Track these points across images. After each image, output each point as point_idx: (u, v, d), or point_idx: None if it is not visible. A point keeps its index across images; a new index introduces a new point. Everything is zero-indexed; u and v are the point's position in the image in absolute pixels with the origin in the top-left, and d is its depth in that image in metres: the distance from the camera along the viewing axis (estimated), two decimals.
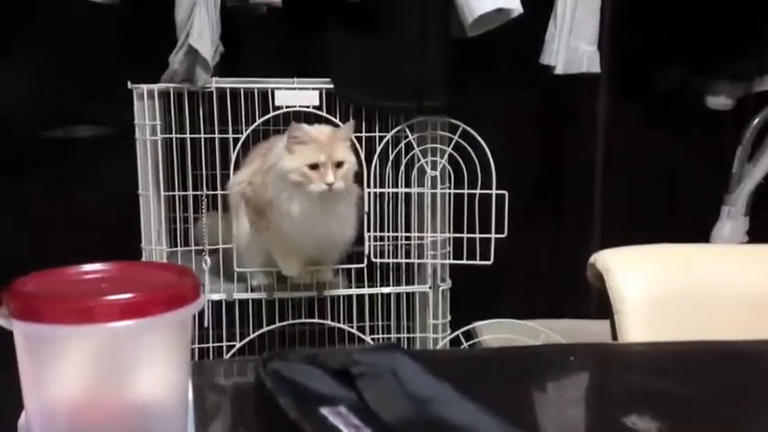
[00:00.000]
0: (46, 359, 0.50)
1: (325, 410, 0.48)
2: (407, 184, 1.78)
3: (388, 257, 1.80)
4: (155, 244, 1.73)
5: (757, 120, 2.00)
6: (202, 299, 0.54)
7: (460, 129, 1.72)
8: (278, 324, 1.78)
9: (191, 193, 1.73)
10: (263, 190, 1.62)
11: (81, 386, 0.52)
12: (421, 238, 1.80)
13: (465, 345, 1.83)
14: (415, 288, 1.84)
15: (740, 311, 1.07)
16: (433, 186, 1.76)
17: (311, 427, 0.45)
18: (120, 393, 0.52)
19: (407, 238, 1.82)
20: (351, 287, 1.80)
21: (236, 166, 1.70)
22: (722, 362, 0.87)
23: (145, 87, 1.67)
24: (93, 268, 0.56)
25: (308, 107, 1.68)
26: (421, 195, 1.78)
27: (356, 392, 0.51)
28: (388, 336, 1.85)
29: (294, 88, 1.68)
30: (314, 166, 1.53)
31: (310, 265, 1.74)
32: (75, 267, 0.56)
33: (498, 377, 0.82)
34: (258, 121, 1.67)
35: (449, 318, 1.84)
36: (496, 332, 1.85)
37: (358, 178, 1.69)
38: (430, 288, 1.81)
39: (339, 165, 1.55)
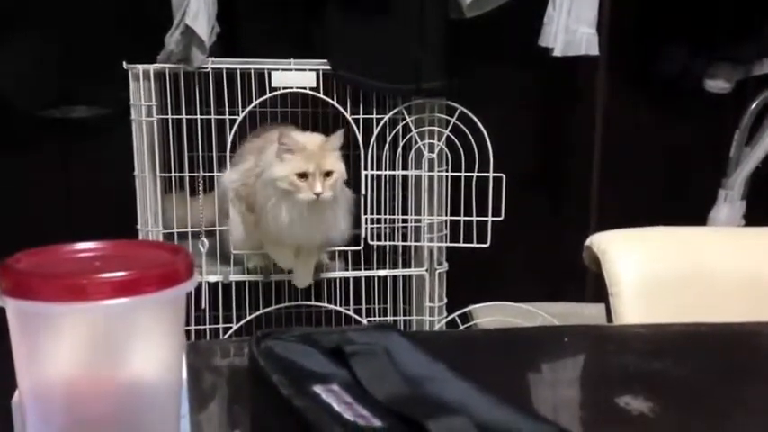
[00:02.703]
0: (39, 337, 0.50)
1: (318, 388, 0.48)
2: (404, 167, 1.77)
3: (385, 240, 1.80)
4: (151, 225, 1.72)
5: (755, 104, 2.00)
6: (196, 277, 0.54)
7: (458, 111, 1.71)
8: (274, 306, 1.78)
9: (187, 174, 1.73)
10: (254, 195, 1.63)
11: (74, 364, 0.52)
12: (418, 221, 1.80)
13: (461, 327, 1.84)
14: (412, 271, 1.84)
15: (735, 294, 1.08)
16: (431, 169, 1.76)
17: (304, 404, 0.45)
18: (113, 371, 0.52)
19: (404, 221, 1.83)
20: (347, 270, 1.80)
21: (233, 148, 1.70)
22: (716, 343, 0.88)
23: (141, 68, 1.66)
24: (86, 246, 0.56)
25: (305, 88, 1.67)
26: (418, 178, 1.78)
27: (349, 371, 0.51)
28: (385, 318, 1.85)
29: (291, 69, 1.68)
30: (302, 175, 1.54)
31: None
32: (69, 245, 0.56)
33: (493, 358, 0.82)
34: (255, 103, 1.67)
35: (445, 300, 1.84)
36: (493, 315, 1.86)
37: (355, 164, 1.69)
38: (426, 271, 1.81)
39: (328, 174, 1.55)
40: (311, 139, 1.59)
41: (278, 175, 1.55)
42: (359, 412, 0.46)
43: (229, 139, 1.67)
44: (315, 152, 1.55)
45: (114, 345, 0.52)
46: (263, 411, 0.51)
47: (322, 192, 1.53)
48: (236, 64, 1.67)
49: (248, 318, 1.75)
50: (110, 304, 0.49)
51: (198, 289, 1.67)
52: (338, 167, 1.58)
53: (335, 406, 0.46)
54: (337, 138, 1.59)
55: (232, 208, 1.68)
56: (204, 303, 1.71)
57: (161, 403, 0.54)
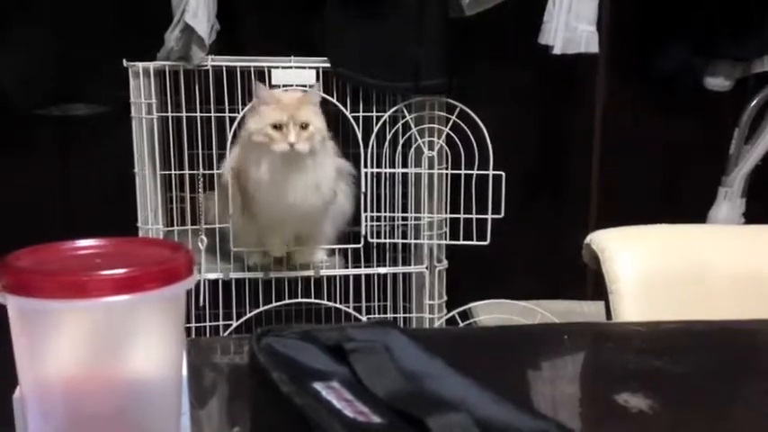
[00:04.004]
0: (40, 334, 0.50)
1: (317, 385, 0.48)
2: (404, 165, 1.77)
3: (385, 238, 1.80)
4: (151, 223, 1.73)
5: (755, 101, 1.99)
6: (196, 274, 0.54)
7: (458, 109, 1.71)
8: (274, 304, 1.78)
9: (187, 172, 1.73)
10: (245, 171, 1.62)
11: (75, 361, 0.52)
12: (418, 219, 1.80)
13: (461, 325, 1.84)
14: (412, 268, 1.84)
15: (734, 291, 1.08)
16: (431, 167, 1.76)
17: (304, 402, 0.45)
18: (114, 368, 0.52)
19: (404, 219, 1.83)
20: (347, 267, 1.80)
21: (233, 146, 1.70)
22: (715, 341, 0.88)
23: (140, 65, 1.66)
24: (87, 244, 0.56)
25: (305, 86, 1.67)
26: (418, 176, 1.78)
27: (349, 368, 0.51)
28: (385, 316, 1.85)
29: (291, 67, 1.67)
30: (277, 127, 1.52)
31: (300, 245, 1.75)
32: (69, 243, 0.56)
33: (492, 355, 0.82)
34: (254, 100, 1.67)
35: (445, 298, 1.84)
36: (492, 312, 1.86)
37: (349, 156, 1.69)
38: (426, 268, 1.82)
39: (304, 126, 1.53)
40: (288, 94, 1.59)
41: (253, 128, 1.54)
42: (359, 409, 0.46)
43: (229, 136, 1.67)
44: (290, 104, 1.54)
45: (115, 342, 0.52)
46: (263, 408, 0.51)
47: (296, 142, 1.51)
48: (236, 61, 1.67)
49: (248, 315, 1.76)
50: (110, 301, 0.49)
51: (197, 286, 1.67)
52: (315, 121, 1.55)
53: (335, 403, 0.46)
54: (314, 93, 1.58)
55: (233, 194, 1.68)
56: (204, 301, 1.71)
57: (161, 400, 0.54)
